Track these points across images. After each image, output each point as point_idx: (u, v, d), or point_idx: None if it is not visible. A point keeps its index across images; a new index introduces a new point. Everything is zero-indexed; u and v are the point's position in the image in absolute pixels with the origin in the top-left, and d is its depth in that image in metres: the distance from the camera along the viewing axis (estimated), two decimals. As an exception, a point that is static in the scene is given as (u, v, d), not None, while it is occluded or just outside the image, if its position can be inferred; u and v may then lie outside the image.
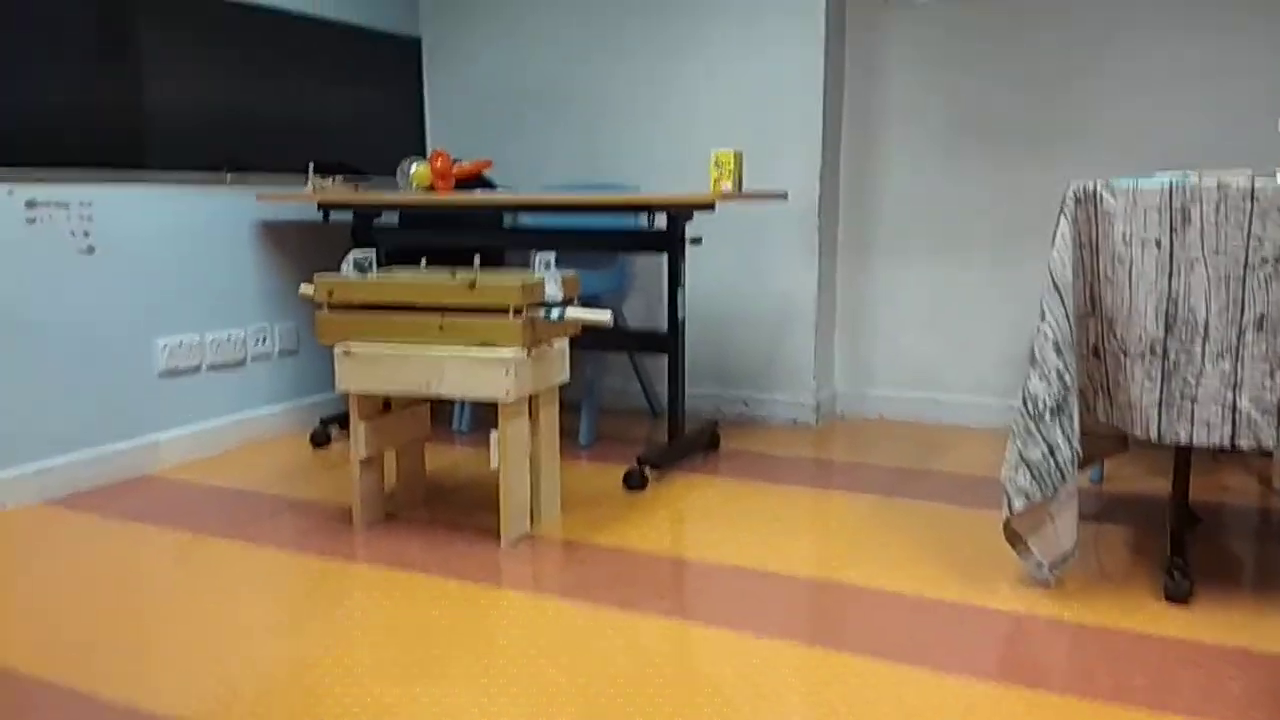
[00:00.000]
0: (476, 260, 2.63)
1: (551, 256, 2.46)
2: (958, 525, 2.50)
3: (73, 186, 2.78)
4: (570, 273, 2.51)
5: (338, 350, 2.41)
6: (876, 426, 3.59)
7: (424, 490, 2.75)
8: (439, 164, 3.20)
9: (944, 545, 2.36)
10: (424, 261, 2.71)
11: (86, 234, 2.83)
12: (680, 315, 2.94)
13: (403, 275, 2.56)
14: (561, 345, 2.51)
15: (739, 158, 2.80)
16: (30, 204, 2.68)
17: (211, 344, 3.21)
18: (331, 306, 2.46)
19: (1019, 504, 2.05)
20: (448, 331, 2.35)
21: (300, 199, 3.21)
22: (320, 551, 2.33)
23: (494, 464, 2.34)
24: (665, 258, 2.94)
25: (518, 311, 2.31)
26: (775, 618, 1.97)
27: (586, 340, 2.87)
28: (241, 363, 3.32)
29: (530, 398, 2.43)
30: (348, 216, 3.50)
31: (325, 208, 3.29)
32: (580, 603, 2.04)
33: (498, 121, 3.97)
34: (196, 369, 3.17)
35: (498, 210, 3.56)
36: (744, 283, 3.62)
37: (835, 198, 3.64)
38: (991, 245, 3.48)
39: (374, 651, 1.84)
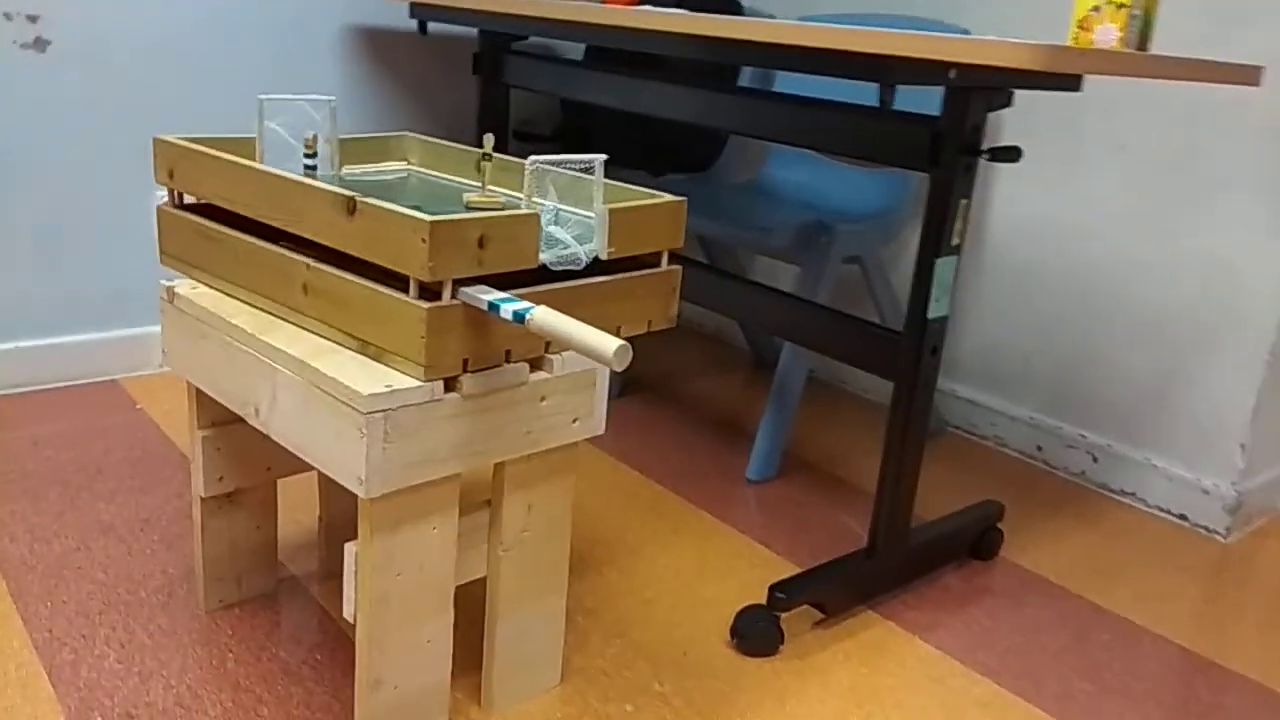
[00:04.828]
0: (488, 143, 1.26)
1: (599, 161, 1.04)
2: None
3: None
4: (639, 192, 1.08)
5: (162, 288, 1.22)
6: (1359, 566, 1.78)
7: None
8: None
9: None
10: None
11: (32, 19, 1.84)
12: (934, 312, 1.38)
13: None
14: (573, 363, 1.10)
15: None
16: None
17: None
18: (177, 201, 1.25)
19: None
20: (314, 298, 1.06)
21: (389, -4, 1.99)
22: (81, 686, 1.21)
23: (347, 611, 1.05)
24: (928, 181, 1.35)
25: (428, 291, 0.95)
26: None
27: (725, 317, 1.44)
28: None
29: (496, 469, 1.09)
30: (473, 35, 2.22)
31: (421, 14, 2.04)
32: None
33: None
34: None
35: (713, 56, 2.10)
36: (1127, 239, 1.89)
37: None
38: None
39: None
